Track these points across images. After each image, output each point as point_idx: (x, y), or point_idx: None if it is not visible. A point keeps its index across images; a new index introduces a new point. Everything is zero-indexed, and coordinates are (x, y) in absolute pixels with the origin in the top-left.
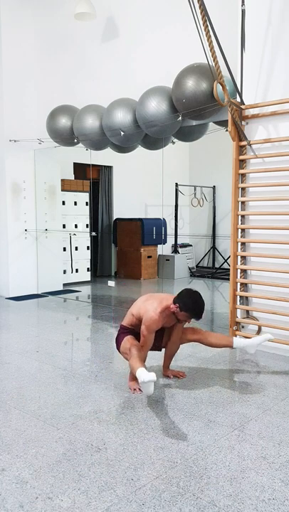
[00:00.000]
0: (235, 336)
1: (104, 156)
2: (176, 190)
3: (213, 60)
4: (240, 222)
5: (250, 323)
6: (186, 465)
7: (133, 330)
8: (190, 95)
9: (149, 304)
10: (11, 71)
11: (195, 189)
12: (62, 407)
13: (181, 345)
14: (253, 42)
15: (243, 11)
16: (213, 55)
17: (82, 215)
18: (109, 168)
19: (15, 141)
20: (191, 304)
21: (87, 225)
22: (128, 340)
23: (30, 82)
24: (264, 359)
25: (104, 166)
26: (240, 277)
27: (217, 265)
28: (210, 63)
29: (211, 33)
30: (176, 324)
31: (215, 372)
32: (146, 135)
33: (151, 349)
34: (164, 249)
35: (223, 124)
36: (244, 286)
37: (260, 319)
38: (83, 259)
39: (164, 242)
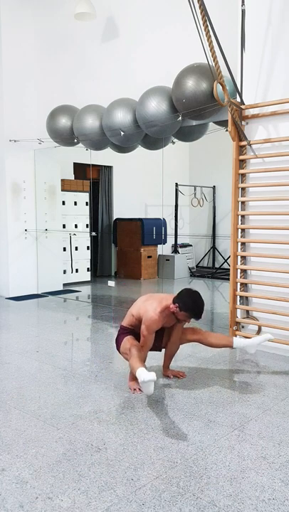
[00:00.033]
0: (235, 335)
1: (104, 156)
2: (176, 190)
3: (213, 60)
4: (240, 222)
5: (250, 323)
6: (186, 465)
7: (133, 330)
8: (190, 95)
9: (149, 304)
10: (11, 71)
11: (195, 189)
12: (62, 407)
13: (181, 346)
14: (253, 42)
15: (243, 11)
16: (213, 55)
17: (82, 215)
18: (109, 168)
19: (15, 141)
20: (190, 303)
21: (87, 225)
22: (128, 341)
23: (30, 82)
24: (264, 359)
25: (104, 166)
26: (240, 277)
27: (217, 265)
28: (210, 63)
29: (211, 33)
30: (176, 324)
31: (215, 372)
32: (146, 135)
33: (152, 349)
34: (164, 249)
35: (223, 124)
36: (244, 286)
37: (260, 319)
38: (83, 259)
39: (164, 242)
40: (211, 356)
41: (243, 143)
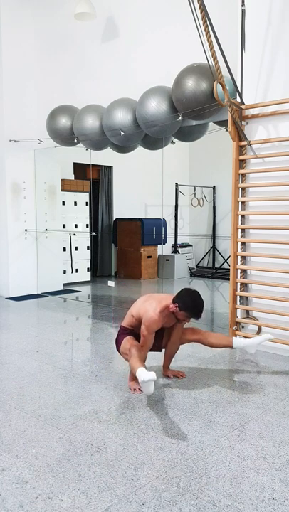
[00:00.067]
0: (235, 336)
1: (104, 156)
2: (176, 190)
3: (213, 60)
4: (240, 222)
5: (250, 323)
6: (186, 465)
7: (133, 331)
8: (190, 95)
9: (149, 305)
10: (11, 71)
11: (195, 189)
12: (62, 407)
13: (181, 346)
14: (253, 42)
15: (243, 11)
16: (213, 55)
17: (82, 215)
18: (109, 168)
19: (15, 141)
20: (190, 303)
21: (87, 225)
22: (128, 341)
23: (30, 82)
24: (264, 359)
25: (104, 166)
26: (240, 277)
27: (217, 265)
28: (210, 63)
29: (211, 33)
30: (176, 324)
31: (215, 372)
32: (146, 135)
33: (152, 350)
34: (164, 249)
35: (223, 124)
36: (244, 286)
37: (260, 319)
38: (83, 259)
39: (164, 242)
40: (211, 356)
41: (243, 143)
